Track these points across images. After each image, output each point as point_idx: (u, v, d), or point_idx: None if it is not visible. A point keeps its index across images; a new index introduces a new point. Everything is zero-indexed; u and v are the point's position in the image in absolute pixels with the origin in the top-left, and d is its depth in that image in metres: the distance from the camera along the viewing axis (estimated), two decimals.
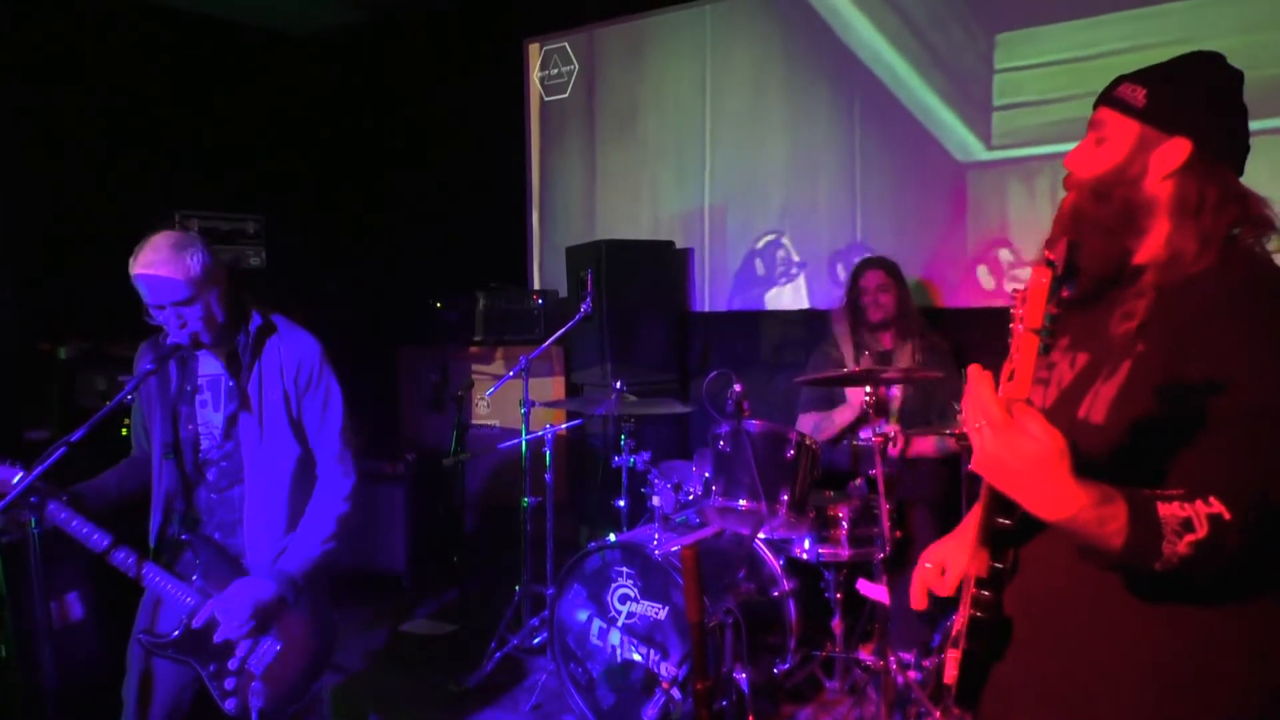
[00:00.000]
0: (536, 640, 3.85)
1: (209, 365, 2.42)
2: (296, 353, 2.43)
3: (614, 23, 5.49)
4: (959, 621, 1.47)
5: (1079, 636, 1.37)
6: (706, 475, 3.30)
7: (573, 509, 4.85)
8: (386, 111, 6.23)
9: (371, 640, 4.19)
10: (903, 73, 4.54)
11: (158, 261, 2.23)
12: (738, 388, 3.17)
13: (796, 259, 4.94)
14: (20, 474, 2.20)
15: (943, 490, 3.69)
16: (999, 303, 4.26)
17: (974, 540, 1.42)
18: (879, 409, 3.20)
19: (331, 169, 6.22)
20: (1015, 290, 1.17)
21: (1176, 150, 1.38)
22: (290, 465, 2.41)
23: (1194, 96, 1.41)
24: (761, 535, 3.32)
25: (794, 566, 3.40)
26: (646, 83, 5.39)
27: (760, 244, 5.06)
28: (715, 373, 3.23)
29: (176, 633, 2.30)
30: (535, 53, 5.83)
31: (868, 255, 4.13)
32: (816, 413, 3.99)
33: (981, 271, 4.35)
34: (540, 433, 3.93)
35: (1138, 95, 1.41)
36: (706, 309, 5.26)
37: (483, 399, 5.08)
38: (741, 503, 3.14)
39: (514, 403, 4.18)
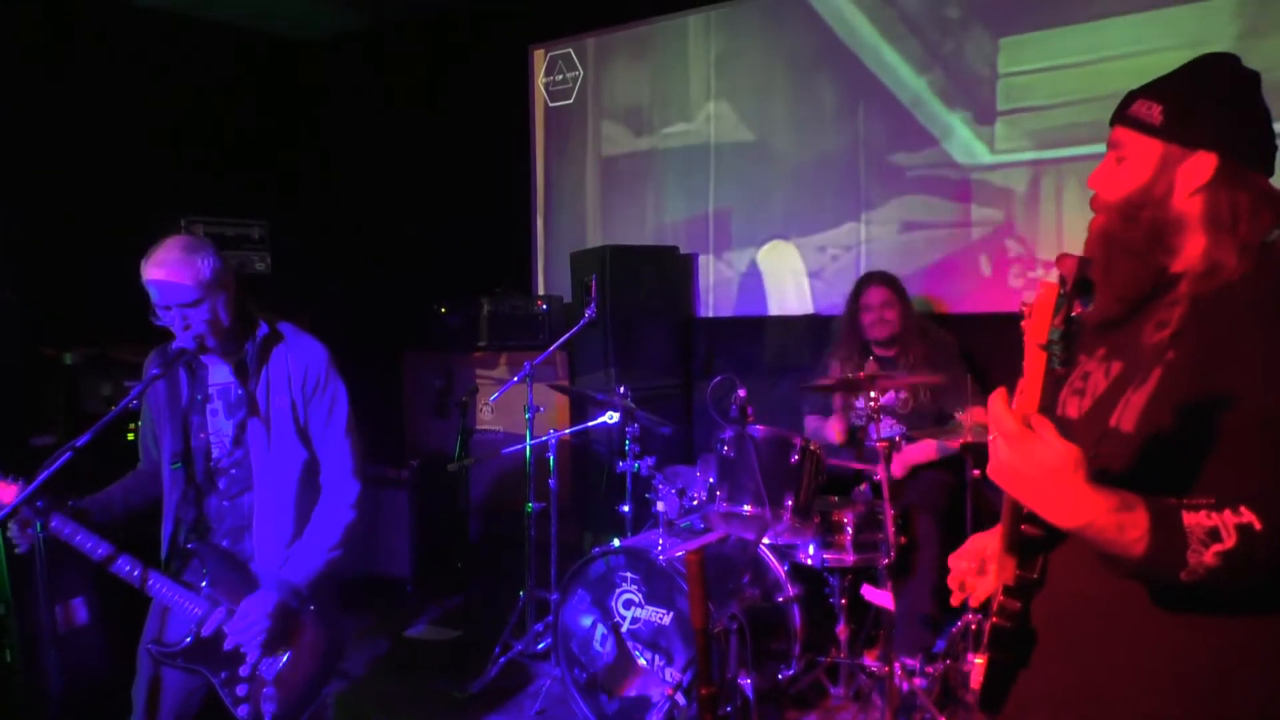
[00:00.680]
0: (541, 646, 3.84)
1: (219, 374, 2.43)
2: (304, 359, 2.44)
3: (618, 28, 5.50)
4: (986, 628, 1.46)
5: (1103, 646, 1.35)
6: (711, 480, 3.30)
7: (577, 514, 4.84)
8: (391, 117, 6.24)
9: (375, 646, 4.19)
10: (907, 77, 4.54)
11: (168, 263, 2.25)
12: (742, 393, 3.16)
13: (801, 264, 4.94)
14: (20, 487, 2.20)
15: (948, 496, 3.68)
16: (1007, 308, 4.26)
17: (999, 549, 1.41)
18: (878, 414, 3.19)
19: (336, 174, 6.23)
20: (1024, 305, 1.17)
21: (1201, 165, 1.35)
22: (297, 471, 2.41)
23: (1212, 107, 1.37)
24: (766, 541, 3.31)
25: (798, 572, 3.39)
26: (651, 88, 5.40)
27: (764, 249, 5.06)
28: (719, 378, 3.23)
29: (186, 641, 2.31)
30: (540, 58, 5.85)
31: (870, 270, 4.12)
32: (818, 416, 3.99)
33: (983, 262, 4.35)
34: (544, 438, 3.92)
35: (1154, 112, 1.38)
36: (711, 314, 5.26)
37: (487, 404, 5.08)
38: (746, 508, 3.14)
39: (518, 408, 4.18)
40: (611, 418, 3.81)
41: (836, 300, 4.75)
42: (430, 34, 6.04)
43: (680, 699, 2.88)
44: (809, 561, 3.37)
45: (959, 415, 3.62)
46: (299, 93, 6.05)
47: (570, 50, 5.70)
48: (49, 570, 2.32)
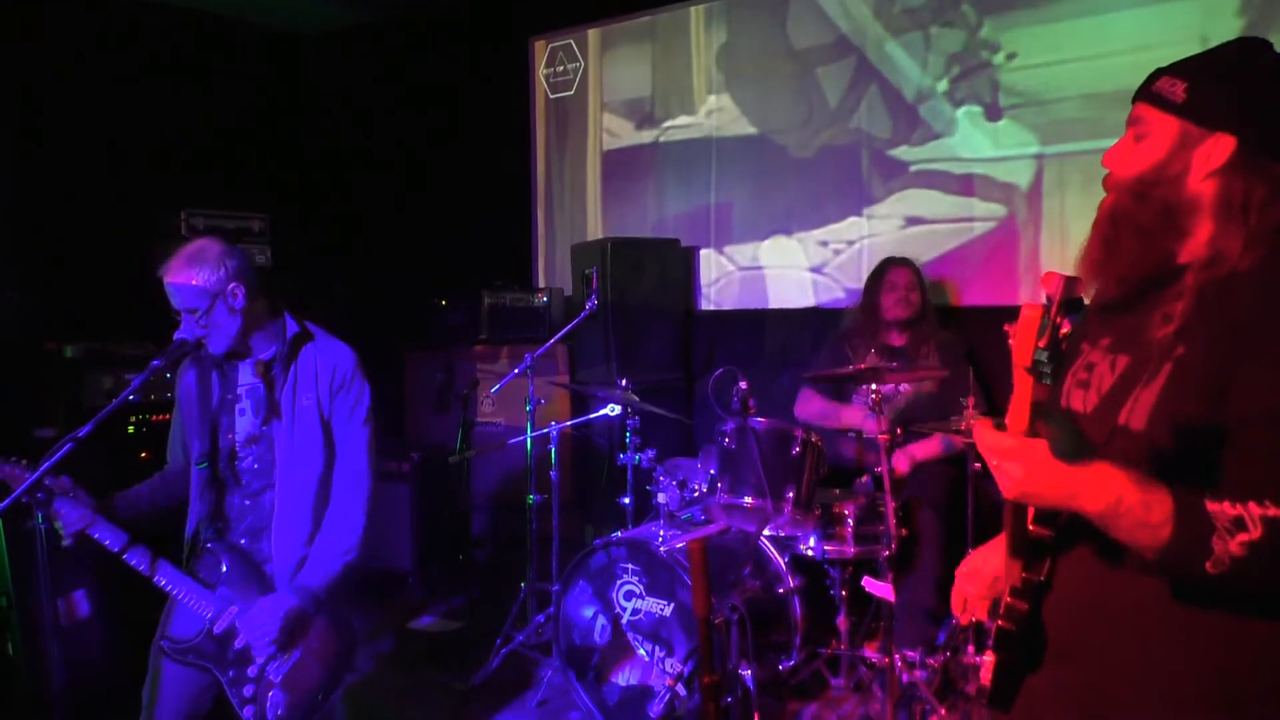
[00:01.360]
0: (543, 637, 3.85)
1: (248, 374, 2.45)
2: (332, 358, 2.47)
3: (620, 19, 5.49)
4: (993, 628, 1.46)
5: (1114, 652, 1.34)
6: (712, 472, 3.30)
7: (578, 506, 4.85)
8: (392, 110, 6.23)
9: (378, 638, 4.20)
10: (910, 71, 4.53)
11: (176, 268, 2.31)
12: (743, 385, 3.17)
13: (803, 259, 4.94)
14: (29, 473, 2.21)
15: (949, 489, 3.68)
16: (1009, 301, 4.27)
17: (1005, 553, 1.39)
18: (882, 405, 3.19)
19: (337, 167, 6.23)
20: (1008, 327, 1.16)
21: (1219, 148, 1.31)
22: (317, 470, 2.42)
23: (1237, 90, 1.33)
24: (767, 532, 3.31)
25: (799, 564, 3.40)
26: (652, 80, 5.39)
27: (766, 243, 5.06)
28: (721, 370, 3.23)
29: (198, 638, 2.32)
30: (541, 50, 5.83)
31: (891, 255, 4.11)
32: (823, 399, 3.98)
33: (986, 256, 4.35)
34: (545, 430, 3.93)
35: (1177, 90, 1.35)
36: (712, 307, 5.26)
37: (488, 397, 5.08)
38: (747, 500, 3.14)
39: (519, 401, 4.19)
40: (613, 410, 3.82)
41: (839, 295, 4.76)
42: (431, 26, 6.03)
43: (681, 690, 2.89)
44: (810, 553, 3.37)
45: (963, 406, 3.62)
46: (299, 86, 6.04)
47: (571, 41, 5.69)
48: (51, 563, 2.33)
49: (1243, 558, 1.10)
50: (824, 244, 4.85)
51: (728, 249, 5.18)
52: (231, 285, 2.34)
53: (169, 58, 5.25)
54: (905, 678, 3.16)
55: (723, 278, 5.21)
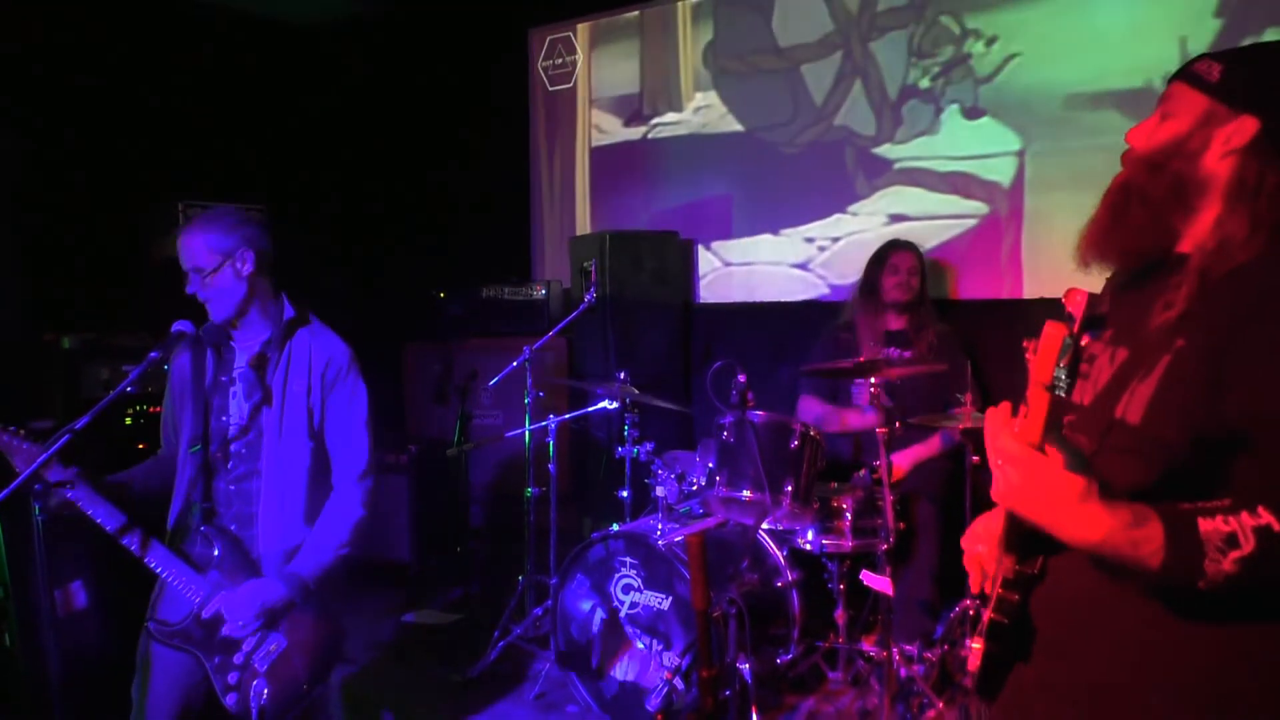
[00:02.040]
0: (541, 630, 3.85)
1: (243, 357, 2.44)
2: (327, 349, 2.46)
3: (618, 11, 5.48)
4: (984, 618, 1.46)
5: (1103, 647, 1.34)
6: (710, 466, 3.30)
7: (576, 500, 4.85)
8: (389, 101, 6.21)
9: (376, 630, 4.20)
10: (895, 68, 4.54)
11: (192, 226, 2.35)
12: (742, 378, 3.16)
13: (788, 255, 4.94)
14: (38, 451, 2.21)
15: (947, 482, 3.68)
16: (995, 295, 4.27)
17: (997, 547, 1.40)
18: (881, 398, 3.19)
19: (335, 159, 6.20)
20: (1027, 341, 1.15)
21: (1243, 128, 1.32)
22: (306, 461, 2.41)
23: (1271, 78, 1.34)
24: (765, 526, 3.31)
25: (797, 557, 3.40)
26: (651, 71, 5.38)
27: (752, 239, 5.06)
28: (719, 363, 3.23)
29: (185, 621, 2.31)
30: (539, 42, 5.82)
31: (895, 238, 4.10)
32: (821, 401, 3.98)
33: (971, 253, 4.35)
34: (543, 423, 3.92)
35: (1213, 70, 1.36)
36: (710, 300, 5.25)
37: (486, 390, 5.07)
38: (745, 493, 3.14)
39: (518, 394, 4.18)
40: (611, 403, 3.81)
41: (825, 291, 4.77)
42: (429, 17, 6.00)
43: (679, 683, 2.89)
44: (808, 547, 3.37)
45: (960, 401, 3.63)
46: (297, 77, 6.01)
47: (570, 33, 5.68)
48: (48, 554, 2.32)
49: (1235, 573, 1.10)
50: (809, 240, 4.86)
51: (715, 245, 5.19)
52: (242, 249, 2.35)
53: (168, 47, 5.22)
54: (903, 671, 3.16)
55: (710, 273, 5.22)
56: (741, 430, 3.16)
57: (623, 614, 3.21)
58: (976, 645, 1.45)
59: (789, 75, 4.87)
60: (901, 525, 3.36)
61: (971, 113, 4.32)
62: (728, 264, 5.15)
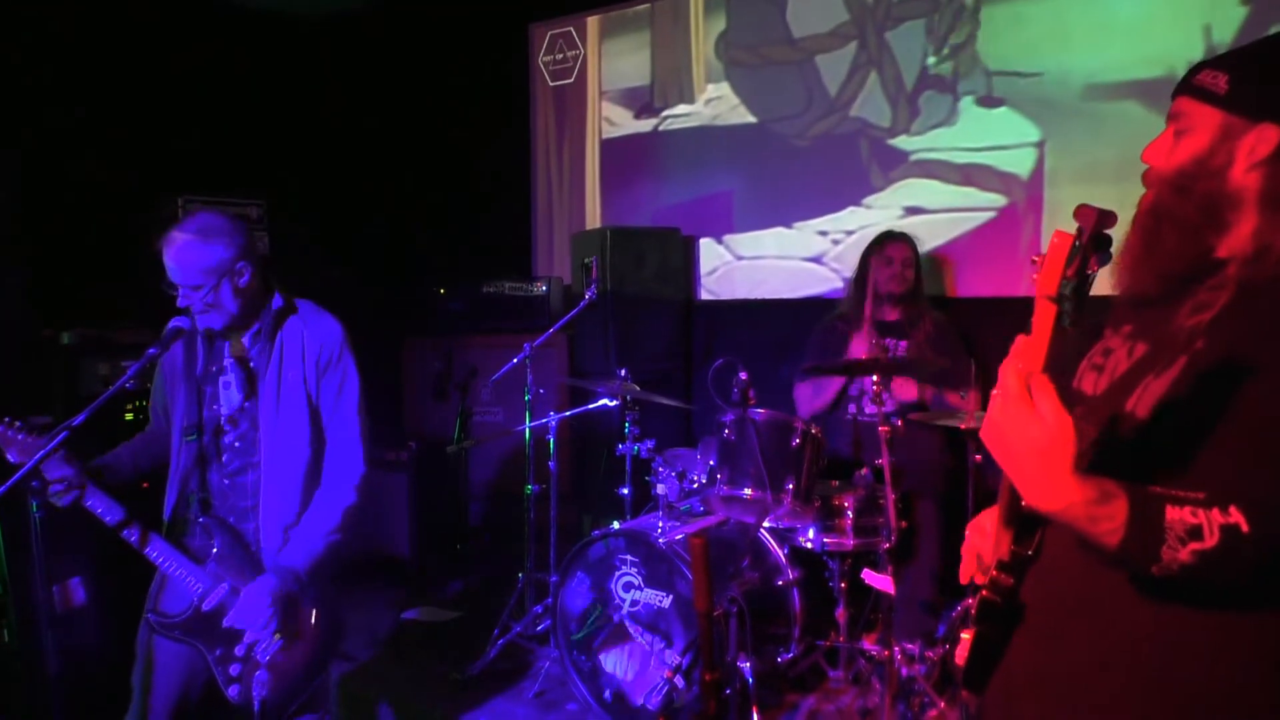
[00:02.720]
0: (540, 628, 3.84)
1: (235, 346, 2.41)
2: (318, 335, 2.42)
3: (620, 6, 5.45)
4: (976, 601, 1.45)
5: (1092, 634, 1.34)
6: (711, 463, 3.29)
7: (576, 497, 4.84)
8: (391, 96, 6.20)
9: (375, 627, 4.19)
10: (911, 59, 4.50)
11: (178, 242, 2.25)
12: (743, 376, 3.15)
13: (802, 249, 4.91)
14: (41, 444, 2.20)
15: (949, 481, 3.67)
16: (1011, 293, 4.25)
17: (997, 522, 1.39)
18: (882, 396, 3.18)
19: (336, 154, 6.19)
20: (1035, 257, 1.13)
21: (1265, 138, 1.29)
22: (306, 452, 2.39)
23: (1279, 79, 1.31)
24: (766, 524, 3.30)
25: (798, 556, 3.39)
26: (662, 63, 5.35)
27: (764, 232, 5.03)
28: (721, 361, 3.21)
29: (186, 614, 2.30)
30: (540, 37, 5.80)
31: (889, 229, 4.08)
32: (811, 383, 3.96)
33: (986, 246, 4.33)
34: (544, 420, 3.91)
35: (1219, 82, 1.32)
36: (712, 297, 5.24)
37: (486, 386, 5.06)
38: (746, 491, 3.13)
39: (518, 390, 4.17)
40: (612, 400, 3.80)
41: (837, 285, 4.74)
42: (430, 12, 5.99)
43: (679, 681, 2.88)
44: (809, 545, 3.36)
45: (959, 400, 3.62)
46: (298, 72, 5.99)
47: (571, 29, 5.65)
48: (46, 551, 2.31)
49: (1192, 564, 1.11)
50: (823, 234, 4.83)
51: (726, 239, 5.16)
52: (241, 264, 2.30)
53: (167, 43, 5.21)
54: (904, 670, 3.15)
55: (721, 267, 5.20)
56: (743, 428, 3.15)
57: (623, 612, 3.20)
58: (965, 636, 1.44)
59: (803, 66, 4.84)
60: (903, 524, 3.35)
61: (989, 103, 4.29)
62: (739, 257, 5.13)
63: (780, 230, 4.97)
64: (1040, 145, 4.17)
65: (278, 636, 2.30)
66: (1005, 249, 4.28)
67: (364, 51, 6.22)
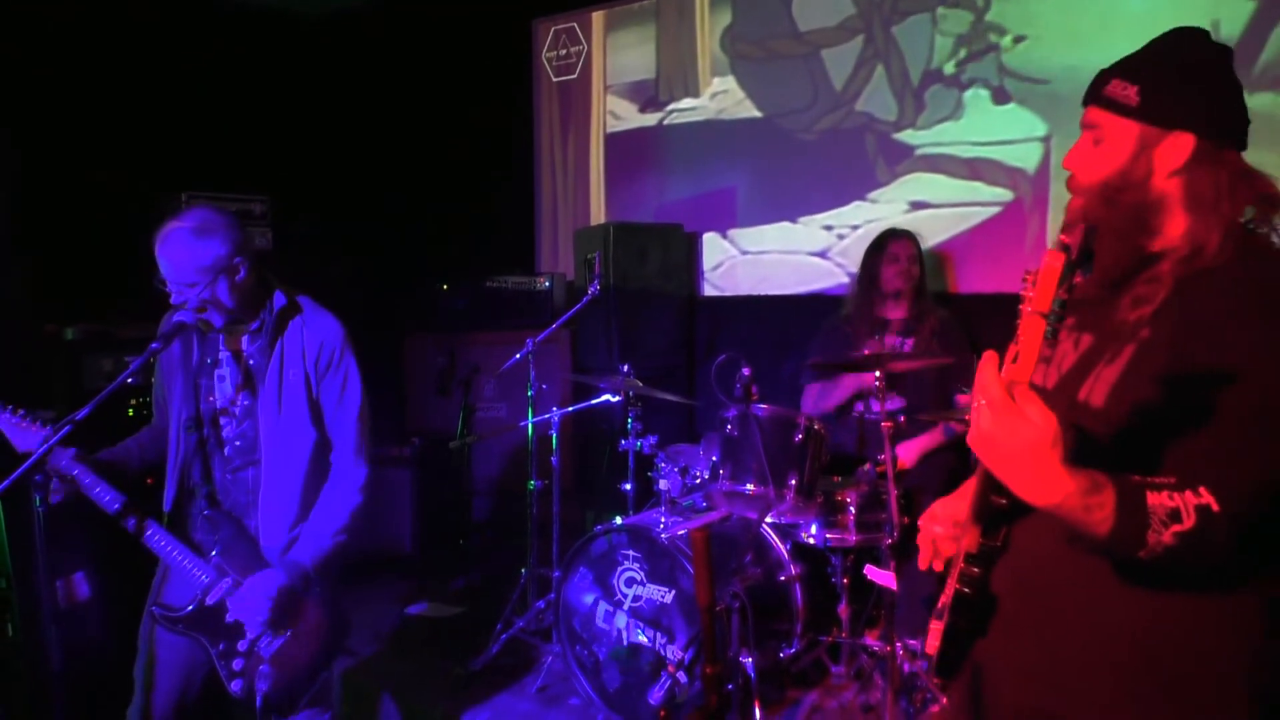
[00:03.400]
0: (543, 623, 3.84)
1: (231, 341, 2.41)
2: (319, 334, 2.41)
3: (623, 1, 5.45)
4: (945, 595, 1.49)
5: (1065, 619, 1.38)
6: (714, 459, 3.29)
7: (579, 493, 4.84)
8: (394, 92, 6.19)
9: (378, 623, 4.19)
10: (917, 53, 4.49)
11: (171, 240, 2.23)
12: (746, 372, 3.15)
13: (807, 243, 4.91)
14: (47, 433, 2.20)
15: (951, 477, 3.67)
16: (1014, 288, 4.23)
17: (967, 516, 1.43)
18: (889, 385, 3.17)
19: (339, 150, 6.19)
20: (1027, 273, 1.17)
21: (1179, 145, 1.35)
22: (307, 449, 2.39)
23: (1187, 85, 1.37)
24: (769, 520, 3.30)
25: (801, 551, 3.39)
26: (656, 62, 5.35)
27: (770, 226, 5.03)
28: (724, 356, 3.21)
29: (189, 607, 2.30)
30: (544, 32, 5.79)
31: (891, 227, 4.07)
32: (819, 383, 3.95)
33: (993, 241, 4.32)
34: (546, 416, 3.91)
35: (1129, 93, 1.38)
36: (715, 292, 5.23)
37: (489, 382, 5.06)
38: (749, 487, 3.13)
39: (521, 386, 4.17)
40: (615, 396, 3.80)
41: (843, 280, 4.73)
42: (433, 7, 5.98)
43: (682, 677, 2.88)
44: (812, 541, 3.36)
45: (962, 398, 3.61)
46: (302, 68, 5.99)
47: (575, 24, 5.65)
48: (50, 545, 2.31)
49: (1174, 546, 1.16)
50: (828, 228, 4.82)
51: (731, 233, 5.16)
52: (237, 260, 2.29)
53: (171, 39, 5.21)
54: (906, 666, 3.15)
55: (726, 262, 5.19)
56: (745, 424, 3.15)
57: (626, 607, 3.20)
58: (935, 625, 1.49)
59: (809, 60, 4.83)
60: (905, 520, 3.35)
61: (996, 97, 4.28)
62: (744, 252, 5.12)
63: (785, 225, 4.96)
64: (1047, 140, 4.16)
65: (281, 631, 2.30)
66: (1011, 244, 4.27)
67: (368, 47, 6.22)
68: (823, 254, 4.85)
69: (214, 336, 2.40)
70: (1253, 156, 1.42)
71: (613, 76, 5.53)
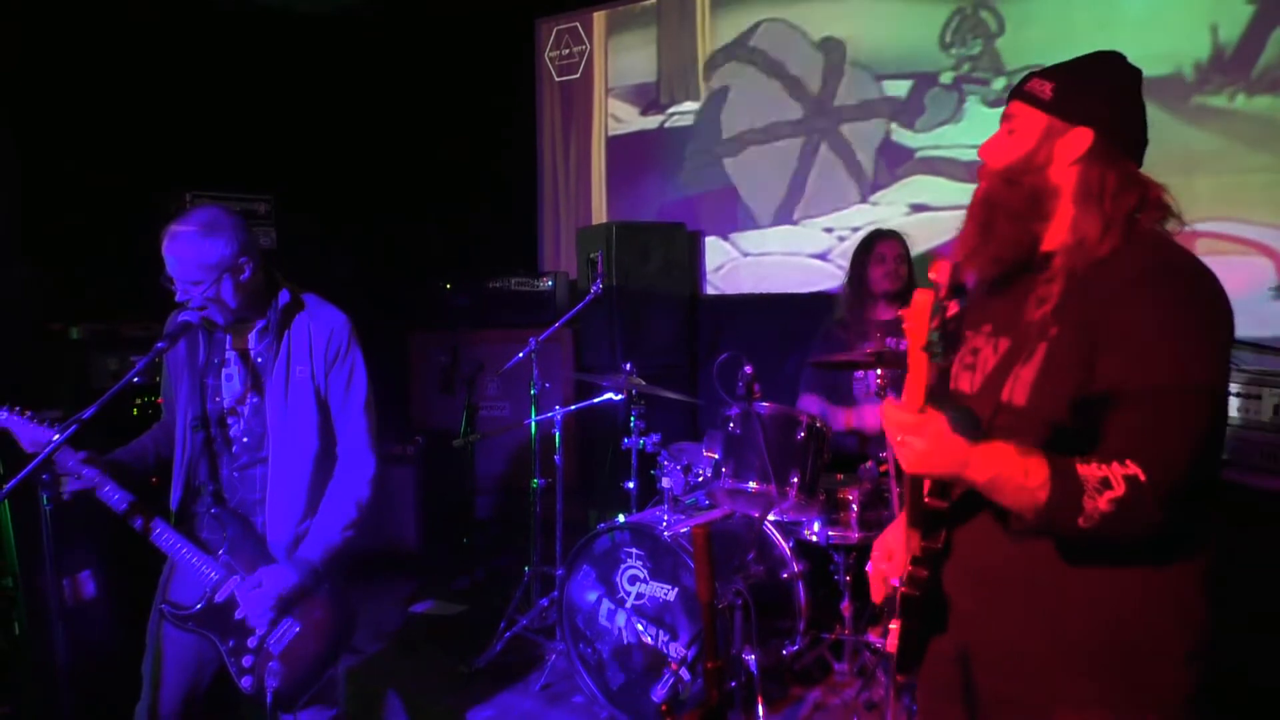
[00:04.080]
0: (546, 621, 3.85)
1: (238, 340, 2.41)
2: (326, 327, 2.42)
3: (627, 1, 5.46)
4: (898, 597, 1.59)
5: (1017, 608, 1.48)
6: (716, 457, 3.30)
7: (582, 491, 4.85)
8: (398, 91, 6.21)
9: (382, 621, 4.21)
10: (919, 56, 4.50)
11: (179, 237, 2.24)
12: (748, 370, 3.16)
13: (807, 245, 4.92)
14: (54, 433, 2.21)
15: None
16: None
17: (904, 525, 1.53)
18: (891, 384, 3.18)
19: (343, 149, 6.21)
20: (901, 314, 1.29)
21: (1080, 139, 1.48)
22: (314, 445, 2.39)
23: (1097, 90, 1.51)
24: (771, 518, 3.31)
25: (803, 549, 3.40)
26: (668, 60, 5.35)
27: (770, 229, 5.04)
28: (726, 355, 3.22)
29: (199, 605, 2.32)
30: (547, 32, 5.80)
31: (877, 228, 4.07)
32: (820, 400, 3.95)
33: None
34: (550, 414, 3.92)
35: (1045, 89, 1.51)
36: (717, 292, 5.24)
37: (492, 381, 5.08)
38: (751, 485, 3.14)
39: (524, 385, 4.18)
40: (617, 394, 3.81)
41: (841, 279, 4.73)
42: (437, 7, 5.99)
43: (685, 674, 2.89)
44: (814, 538, 3.37)
45: None
46: (305, 67, 6.01)
47: (577, 24, 5.66)
48: (57, 543, 2.33)
49: (1110, 513, 1.26)
50: (829, 230, 4.83)
51: (733, 235, 5.17)
52: (242, 259, 2.29)
53: (176, 38, 5.23)
54: None
55: (727, 264, 5.20)
56: (748, 422, 3.16)
57: (629, 605, 3.22)
58: (893, 626, 1.58)
59: (813, 60, 4.83)
60: None
61: (996, 100, 4.28)
62: (745, 254, 5.13)
63: (786, 227, 4.97)
64: None
65: (290, 626, 2.32)
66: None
67: (372, 46, 6.24)
68: (823, 256, 4.86)
69: (221, 337, 2.41)
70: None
71: (614, 79, 5.54)
